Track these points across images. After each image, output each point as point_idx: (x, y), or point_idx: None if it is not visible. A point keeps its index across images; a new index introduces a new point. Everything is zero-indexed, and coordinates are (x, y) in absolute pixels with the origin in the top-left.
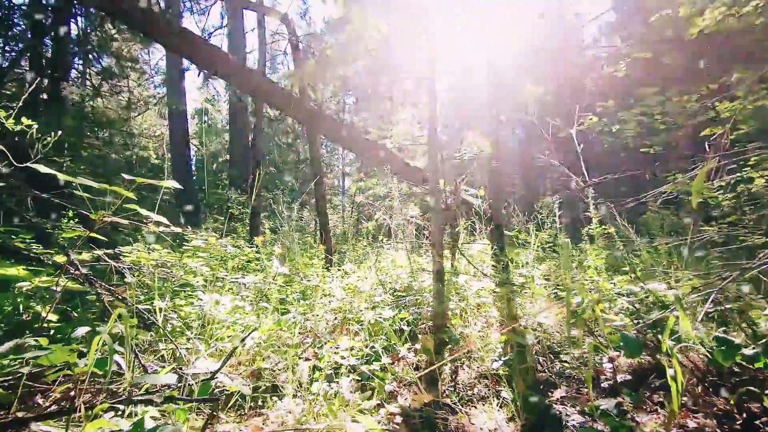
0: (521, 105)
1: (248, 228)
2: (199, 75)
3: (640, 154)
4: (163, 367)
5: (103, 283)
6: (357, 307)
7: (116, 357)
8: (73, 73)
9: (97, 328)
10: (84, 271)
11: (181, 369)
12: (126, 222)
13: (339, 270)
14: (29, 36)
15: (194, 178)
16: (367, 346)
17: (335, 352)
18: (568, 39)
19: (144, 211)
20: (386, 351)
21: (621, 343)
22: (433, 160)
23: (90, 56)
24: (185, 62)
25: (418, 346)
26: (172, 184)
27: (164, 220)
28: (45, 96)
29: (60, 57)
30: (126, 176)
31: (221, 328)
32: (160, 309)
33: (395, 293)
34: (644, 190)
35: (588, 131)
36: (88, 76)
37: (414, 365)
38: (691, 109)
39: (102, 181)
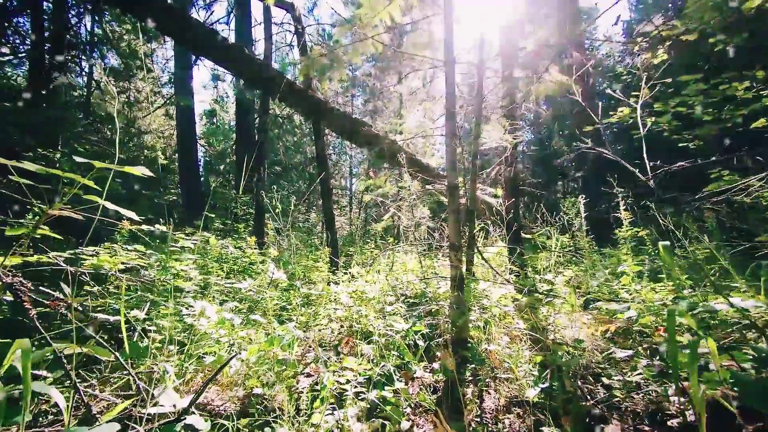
0: (539, 98)
1: (252, 229)
2: (195, 63)
3: (677, 148)
4: (127, 398)
5: (57, 292)
6: (365, 316)
7: (54, 392)
8: (77, 71)
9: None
10: (18, 278)
11: (141, 404)
12: (79, 216)
13: (346, 273)
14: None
15: (202, 178)
16: (377, 364)
17: (341, 375)
18: (577, 31)
19: (109, 205)
20: (399, 369)
21: (731, 381)
22: (452, 154)
23: (94, 53)
24: (192, 60)
25: (435, 365)
26: (140, 170)
27: (135, 215)
28: (43, 91)
29: (56, 49)
30: (97, 163)
31: (203, 346)
32: (129, 321)
33: (407, 301)
34: (677, 189)
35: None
36: (86, 71)
37: (431, 387)
38: (742, 97)
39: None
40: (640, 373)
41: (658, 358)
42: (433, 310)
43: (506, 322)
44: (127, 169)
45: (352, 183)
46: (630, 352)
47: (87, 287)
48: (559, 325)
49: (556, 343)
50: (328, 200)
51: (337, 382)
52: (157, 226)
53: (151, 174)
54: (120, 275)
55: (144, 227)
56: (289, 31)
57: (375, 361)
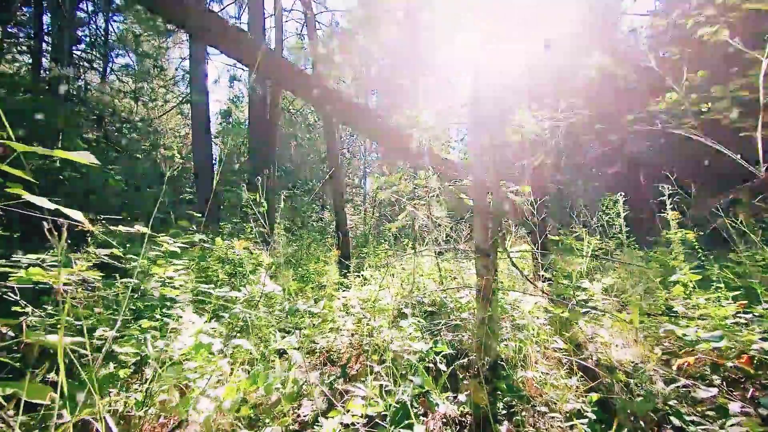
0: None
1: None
2: (207, 56)
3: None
4: None
5: None
6: (378, 329)
7: None
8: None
9: None
10: None
11: None
12: None
13: (358, 276)
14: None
15: (217, 177)
16: (390, 393)
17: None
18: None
19: (35, 198)
20: (417, 399)
21: None
22: (477, 146)
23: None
24: (206, 52)
25: (462, 396)
26: (83, 155)
27: (79, 215)
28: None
29: (59, 42)
30: (18, 145)
31: (173, 377)
32: (78, 349)
33: (424, 309)
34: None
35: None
36: (98, 67)
37: (456, 422)
38: None
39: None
40: (737, 424)
41: (758, 400)
42: (455, 323)
43: (541, 339)
44: (68, 155)
45: (365, 181)
46: (714, 390)
47: (18, 307)
48: (603, 342)
49: (608, 367)
50: (340, 198)
51: (341, 424)
52: (137, 227)
53: (96, 162)
54: (68, 288)
55: (122, 228)
56: (299, 21)
57: (389, 390)
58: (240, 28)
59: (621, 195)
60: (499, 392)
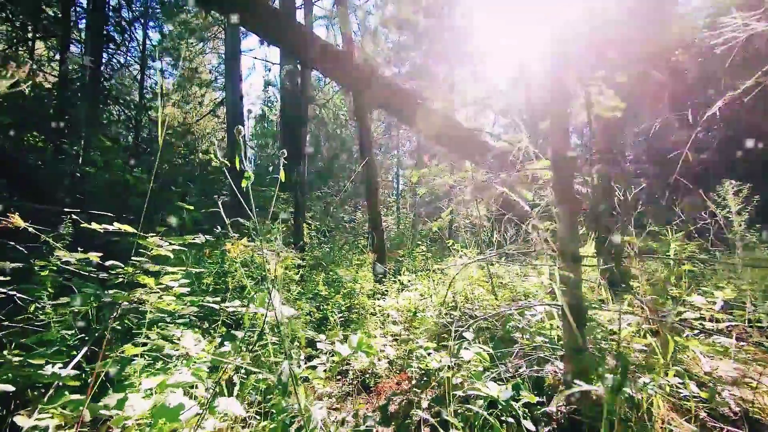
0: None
1: (291, 230)
2: (240, 51)
3: None
4: None
5: None
6: (421, 355)
7: None
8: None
9: None
10: None
11: None
12: None
13: (395, 281)
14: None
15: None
16: None
17: None
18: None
19: None
20: None
21: None
22: (560, 125)
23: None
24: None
25: None
26: None
27: None
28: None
29: (94, 43)
30: None
31: None
32: None
33: (478, 326)
34: None
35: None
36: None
37: None
38: None
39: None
40: None
41: None
42: (531, 350)
43: (665, 385)
44: None
45: (398, 182)
46: None
47: None
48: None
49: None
50: (374, 196)
51: None
52: (116, 224)
53: None
54: None
55: (96, 226)
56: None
57: None
58: (275, 8)
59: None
60: None
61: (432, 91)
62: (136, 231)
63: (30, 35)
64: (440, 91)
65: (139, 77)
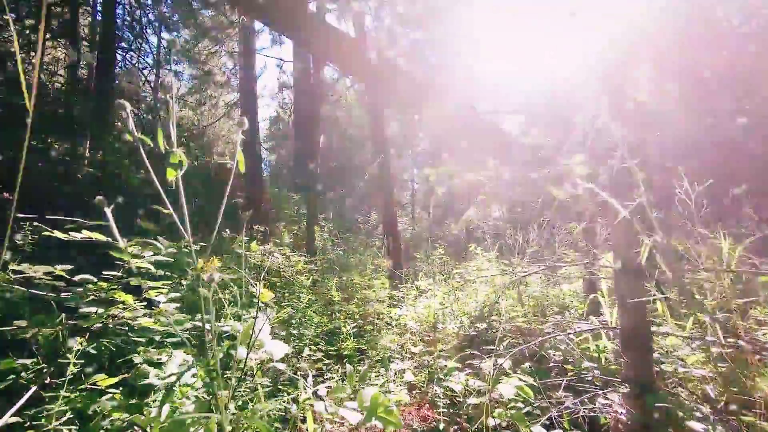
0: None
1: (304, 233)
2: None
3: None
4: None
5: None
6: (446, 380)
7: None
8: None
9: None
10: None
11: None
12: None
13: (412, 288)
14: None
15: (267, 183)
16: None
17: None
18: None
19: None
20: None
21: None
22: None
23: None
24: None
25: None
26: None
27: None
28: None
29: (106, 43)
30: None
31: None
32: None
33: (509, 343)
34: None
35: None
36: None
37: None
38: None
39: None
40: None
41: None
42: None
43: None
44: None
45: (414, 183)
46: None
47: None
48: None
49: None
50: (390, 195)
51: None
52: (85, 232)
53: None
54: None
55: (59, 234)
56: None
57: None
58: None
59: None
60: None
61: (451, 84)
62: (107, 239)
63: (39, 35)
64: (459, 84)
65: (152, 79)
